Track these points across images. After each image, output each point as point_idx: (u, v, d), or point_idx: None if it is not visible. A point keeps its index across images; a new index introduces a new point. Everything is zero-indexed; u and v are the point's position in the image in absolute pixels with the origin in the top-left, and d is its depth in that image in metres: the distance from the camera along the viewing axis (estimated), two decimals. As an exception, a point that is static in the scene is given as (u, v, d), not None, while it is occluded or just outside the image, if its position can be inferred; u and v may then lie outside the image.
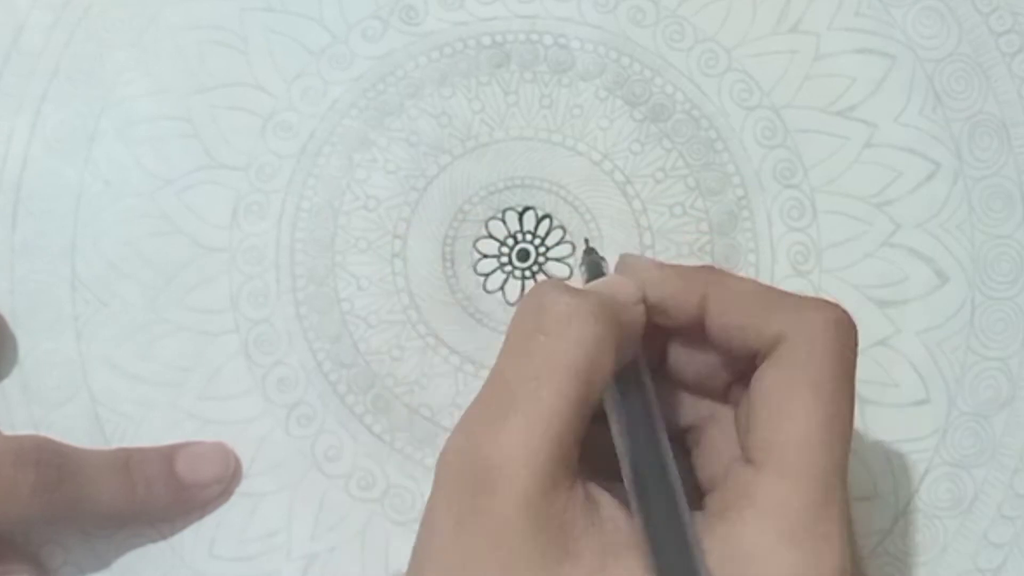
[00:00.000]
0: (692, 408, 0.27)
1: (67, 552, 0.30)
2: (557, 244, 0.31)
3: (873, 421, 0.31)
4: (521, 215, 0.32)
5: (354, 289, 0.31)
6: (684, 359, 0.27)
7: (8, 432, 0.30)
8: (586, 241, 0.31)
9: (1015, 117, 0.32)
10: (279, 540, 0.30)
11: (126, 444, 0.31)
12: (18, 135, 0.31)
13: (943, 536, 0.31)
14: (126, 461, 0.29)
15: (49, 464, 0.27)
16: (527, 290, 0.30)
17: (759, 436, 0.24)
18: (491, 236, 0.32)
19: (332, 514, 0.30)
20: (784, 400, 0.23)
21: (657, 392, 0.25)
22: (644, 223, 0.32)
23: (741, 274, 0.28)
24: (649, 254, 0.31)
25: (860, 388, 0.29)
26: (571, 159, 0.32)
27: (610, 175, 0.32)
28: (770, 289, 0.26)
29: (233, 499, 0.31)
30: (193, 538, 0.30)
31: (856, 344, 0.25)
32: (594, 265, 0.27)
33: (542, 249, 0.31)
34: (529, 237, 0.31)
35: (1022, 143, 0.33)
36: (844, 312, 0.25)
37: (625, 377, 0.25)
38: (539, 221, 0.32)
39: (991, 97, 0.32)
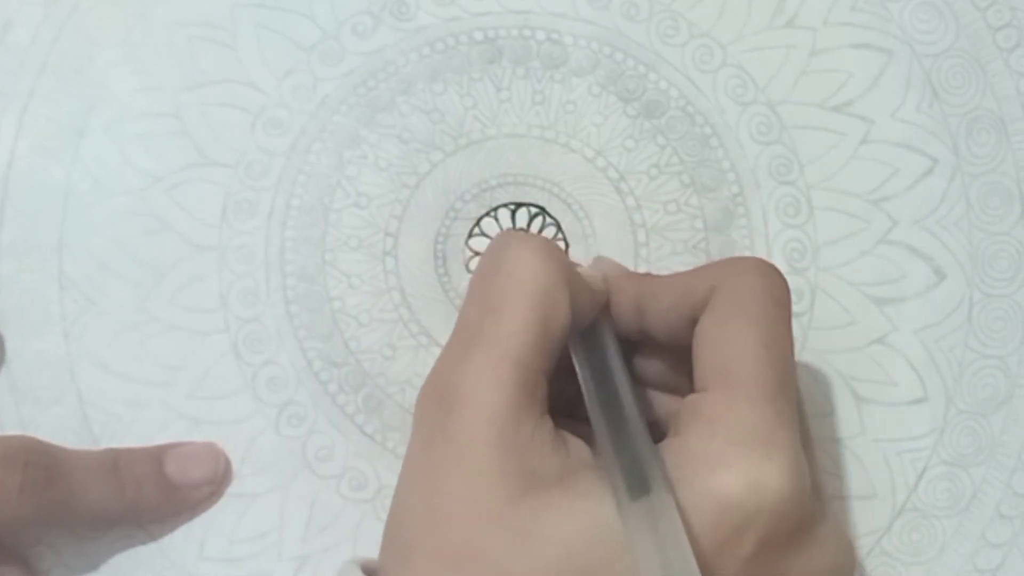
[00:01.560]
0: (660, 404, 0.29)
1: (57, 554, 0.30)
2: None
3: (870, 419, 0.32)
4: (514, 213, 0.32)
5: (345, 287, 0.31)
6: (644, 364, 0.29)
7: (-3, 433, 0.30)
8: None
9: (1013, 113, 0.33)
10: (270, 541, 0.30)
11: (116, 444, 0.31)
12: (4, 132, 0.31)
13: (941, 536, 0.31)
14: (115, 462, 0.29)
15: (37, 465, 0.27)
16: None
17: (704, 369, 0.26)
18: (483, 234, 0.32)
19: (324, 515, 0.30)
20: (722, 332, 0.26)
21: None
22: (638, 220, 0.32)
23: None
24: (643, 251, 0.32)
25: (859, 387, 0.31)
26: (564, 156, 0.32)
27: (604, 172, 0.32)
28: (694, 269, 0.28)
29: (223, 500, 0.31)
30: (183, 539, 0.30)
31: (785, 283, 0.26)
32: None
33: None
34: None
35: (1020, 139, 0.33)
36: (766, 261, 0.27)
37: (590, 335, 0.27)
38: (532, 219, 0.32)
39: (989, 93, 0.33)
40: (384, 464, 0.30)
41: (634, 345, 0.29)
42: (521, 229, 0.32)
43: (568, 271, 0.27)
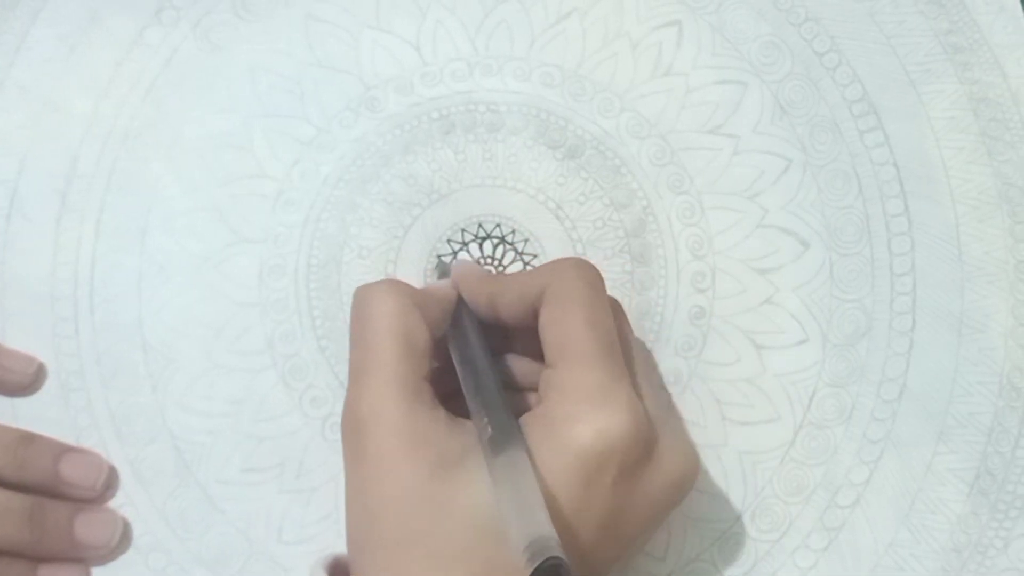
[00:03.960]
0: (535, 371, 0.31)
1: (167, 553, 0.33)
2: (512, 263, 0.36)
3: (768, 361, 0.35)
4: (481, 245, 0.36)
5: None
6: (518, 345, 0.32)
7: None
8: (440, 259, 0.35)
9: (842, 115, 0.37)
10: (331, 521, 0.34)
11: (203, 467, 0.34)
12: (86, 239, 0.35)
13: (833, 441, 0.35)
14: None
15: None
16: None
17: (549, 349, 0.28)
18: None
19: None
20: (556, 319, 0.28)
21: (505, 361, 0.31)
22: (575, 237, 0.36)
23: (511, 273, 0.33)
24: None
25: (756, 337, 0.35)
26: (513, 196, 0.36)
27: (544, 204, 0.36)
28: (530, 270, 0.30)
29: (292, 495, 0.34)
30: (265, 529, 0.34)
31: (597, 272, 0.29)
32: (443, 274, 0.34)
33: (500, 268, 0.36)
34: (490, 260, 0.36)
35: (850, 135, 0.37)
36: (580, 258, 0.30)
37: (457, 332, 0.30)
38: (495, 247, 0.36)
39: (822, 103, 0.37)
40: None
41: (509, 329, 0.32)
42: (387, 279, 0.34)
43: (416, 296, 0.29)
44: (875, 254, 0.36)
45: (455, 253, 0.36)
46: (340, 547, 0.32)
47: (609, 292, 0.35)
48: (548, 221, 0.36)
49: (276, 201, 0.36)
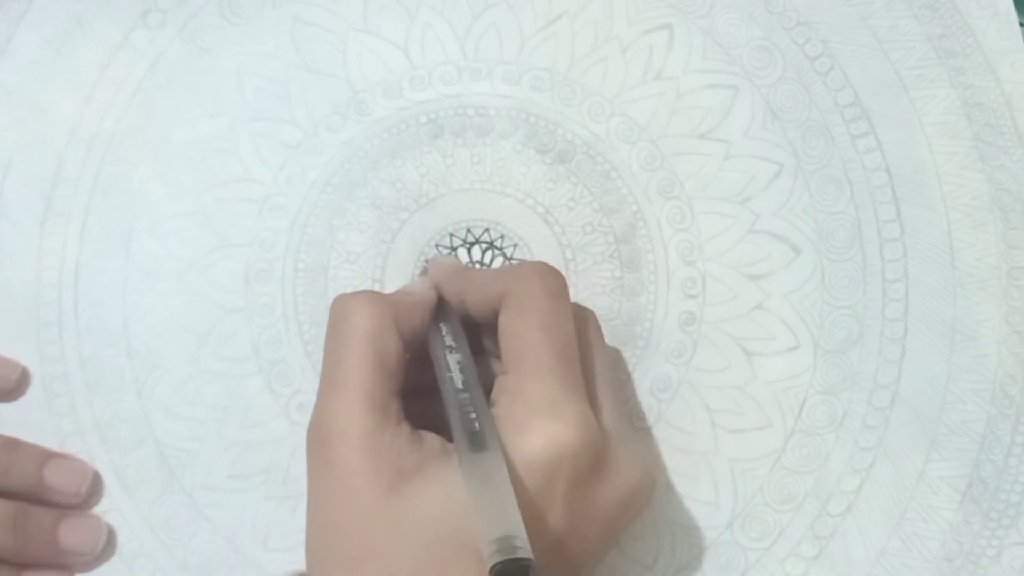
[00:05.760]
0: (500, 367, 0.31)
1: (152, 560, 0.33)
2: None
3: (759, 368, 0.35)
4: (469, 249, 0.36)
5: None
6: (488, 341, 0.32)
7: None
8: (426, 258, 0.35)
9: (834, 120, 0.37)
10: None
11: (189, 473, 0.34)
12: (71, 244, 0.35)
13: (824, 448, 0.35)
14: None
15: None
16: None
17: (505, 355, 0.28)
18: None
19: None
20: (513, 325, 0.28)
21: (475, 351, 0.30)
22: (564, 242, 0.36)
23: (481, 269, 0.32)
24: (572, 265, 0.36)
25: (747, 344, 0.35)
26: (502, 201, 0.36)
27: (533, 209, 0.36)
28: (496, 269, 0.30)
29: (278, 502, 0.34)
30: (251, 536, 0.33)
31: (559, 279, 0.29)
32: (426, 270, 0.34)
33: None
34: (479, 264, 0.36)
35: (842, 140, 0.37)
36: (545, 263, 0.29)
37: (434, 329, 0.30)
38: (484, 252, 0.36)
39: (814, 107, 0.37)
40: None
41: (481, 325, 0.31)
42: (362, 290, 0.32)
43: (393, 309, 0.29)
44: (867, 260, 0.36)
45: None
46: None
47: (598, 298, 0.36)
48: (537, 226, 0.36)
49: (263, 205, 0.36)
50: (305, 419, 0.32)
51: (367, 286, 0.36)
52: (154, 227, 0.36)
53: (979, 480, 0.35)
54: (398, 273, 0.36)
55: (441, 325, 0.31)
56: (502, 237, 0.36)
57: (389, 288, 0.36)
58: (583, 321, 0.30)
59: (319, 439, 0.28)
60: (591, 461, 0.27)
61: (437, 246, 0.36)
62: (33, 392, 0.35)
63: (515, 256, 0.36)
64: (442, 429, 0.28)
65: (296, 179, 0.36)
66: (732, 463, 0.35)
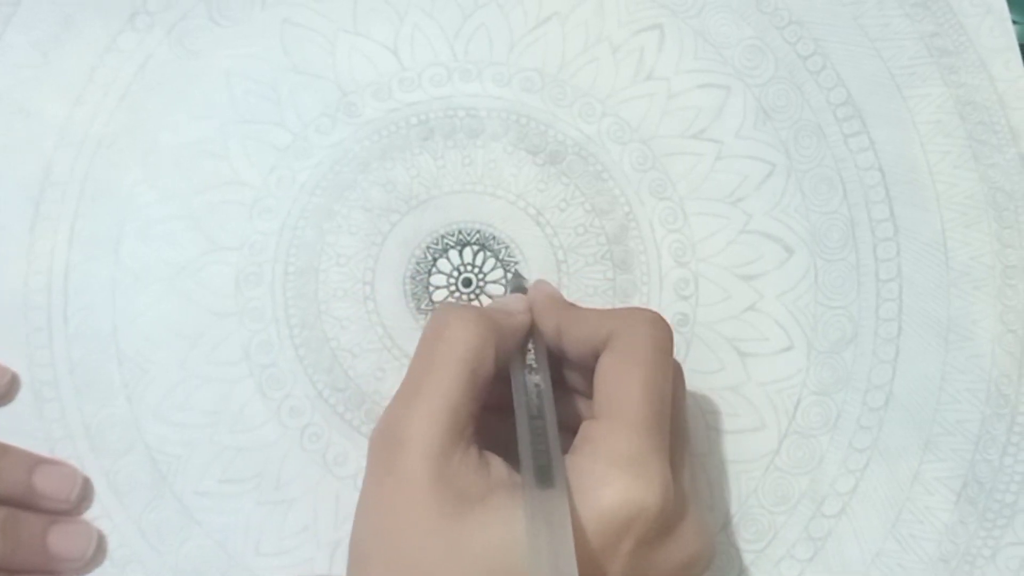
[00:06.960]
0: (585, 408, 0.31)
1: (140, 562, 0.33)
2: (492, 270, 0.36)
3: (753, 369, 0.35)
4: (461, 251, 0.36)
5: (338, 329, 0.35)
6: (573, 376, 0.31)
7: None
8: (516, 270, 0.35)
9: (826, 119, 0.37)
10: (309, 533, 0.33)
11: (180, 478, 0.33)
12: (59, 248, 0.35)
13: (819, 449, 0.35)
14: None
15: None
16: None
17: (599, 399, 0.28)
18: (440, 271, 0.35)
19: (347, 506, 0.32)
20: (614, 371, 0.28)
21: (557, 391, 0.30)
22: (556, 243, 0.36)
23: (586, 307, 0.32)
24: (564, 267, 0.35)
25: (740, 345, 0.35)
26: (493, 203, 0.36)
27: (525, 211, 0.36)
28: (604, 310, 0.31)
29: (270, 507, 0.33)
30: (243, 541, 0.33)
31: (669, 333, 0.29)
32: (517, 287, 0.33)
33: (480, 275, 0.35)
34: (470, 268, 0.36)
35: (835, 139, 0.36)
36: (657, 313, 0.29)
37: (520, 356, 0.30)
38: (475, 254, 0.36)
39: (806, 107, 0.37)
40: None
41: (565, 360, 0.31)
42: (455, 301, 0.34)
43: (496, 329, 0.29)
44: (860, 260, 0.36)
45: (435, 261, 0.36)
46: (319, 560, 0.33)
47: (590, 299, 0.35)
48: (529, 227, 0.36)
49: (253, 208, 0.36)
50: (296, 423, 0.34)
51: (358, 288, 0.35)
52: (143, 231, 0.35)
53: (974, 480, 0.35)
54: (389, 276, 0.35)
55: (529, 350, 0.30)
56: (494, 239, 0.36)
57: (381, 293, 0.35)
58: (675, 376, 0.30)
59: (387, 442, 0.27)
60: (662, 524, 0.27)
61: (516, 267, 0.35)
62: (23, 397, 0.34)
63: (505, 258, 0.36)
64: (510, 449, 0.28)
65: (286, 182, 0.36)
66: (726, 465, 0.35)
